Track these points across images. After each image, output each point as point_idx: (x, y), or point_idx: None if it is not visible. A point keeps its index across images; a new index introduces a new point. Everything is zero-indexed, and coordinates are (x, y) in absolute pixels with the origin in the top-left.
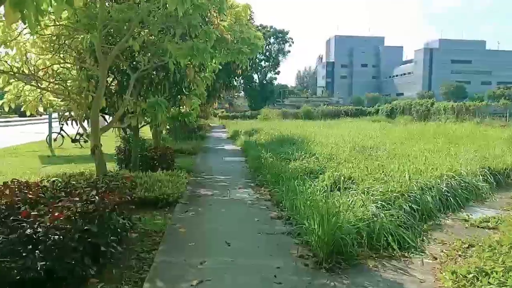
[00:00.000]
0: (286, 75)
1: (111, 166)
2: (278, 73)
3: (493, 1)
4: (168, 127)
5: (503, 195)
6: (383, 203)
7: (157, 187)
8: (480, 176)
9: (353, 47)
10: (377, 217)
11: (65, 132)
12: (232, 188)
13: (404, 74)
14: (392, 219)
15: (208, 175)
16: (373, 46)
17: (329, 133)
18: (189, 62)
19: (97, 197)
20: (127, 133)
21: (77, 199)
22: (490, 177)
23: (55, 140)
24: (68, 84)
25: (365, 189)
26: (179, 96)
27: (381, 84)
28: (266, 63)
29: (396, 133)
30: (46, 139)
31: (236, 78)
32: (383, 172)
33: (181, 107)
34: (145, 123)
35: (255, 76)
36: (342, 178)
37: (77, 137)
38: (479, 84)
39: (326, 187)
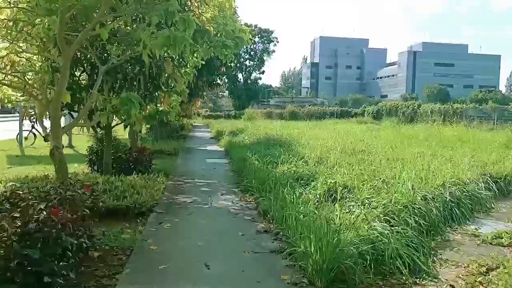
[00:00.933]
0: (271, 75)
1: (83, 169)
2: (263, 72)
3: (475, 5)
4: (147, 126)
5: (508, 204)
6: (387, 217)
7: (129, 194)
8: (482, 184)
9: (337, 49)
10: (383, 236)
11: (37, 131)
12: (214, 195)
13: (388, 76)
14: (399, 237)
15: (189, 179)
16: (357, 48)
17: (316, 135)
18: (166, 55)
19: (44, 212)
20: (98, 132)
21: (18, 215)
22: (492, 185)
23: (26, 138)
24: (29, 77)
25: (365, 200)
26: (156, 93)
27: (365, 86)
28: (251, 62)
29: (386, 135)
30: (17, 137)
31: (220, 76)
32: (380, 179)
33: (159, 105)
34: (119, 122)
35: (240, 76)
36: (338, 186)
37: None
38: (462, 87)
39: (319, 197)
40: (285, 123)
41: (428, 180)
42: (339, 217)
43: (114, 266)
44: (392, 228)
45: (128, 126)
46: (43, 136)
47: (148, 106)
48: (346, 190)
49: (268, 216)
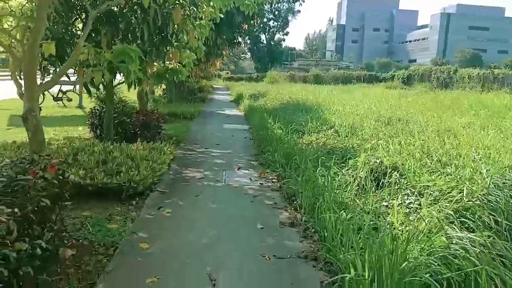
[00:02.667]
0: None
1: (85, 133)
2: (287, 34)
3: None
4: (163, 87)
5: None
6: (462, 218)
7: (126, 168)
8: None
9: (365, 10)
10: (467, 252)
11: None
12: (230, 169)
13: (418, 39)
14: (485, 250)
15: (202, 148)
16: (387, 9)
17: (344, 100)
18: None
19: None
20: (97, 92)
21: None
22: None
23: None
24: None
25: (421, 187)
26: (164, 48)
27: (393, 50)
28: (275, 23)
29: (422, 102)
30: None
31: (241, 34)
32: (434, 157)
33: (168, 62)
34: (122, 81)
35: (263, 37)
36: (385, 167)
37: (60, 95)
38: (496, 52)
39: (360, 180)
40: (309, 86)
41: (496, 159)
42: (396, 217)
43: (87, 274)
44: (474, 236)
45: (134, 86)
46: (52, 96)
47: (154, 63)
48: (395, 172)
49: (295, 201)
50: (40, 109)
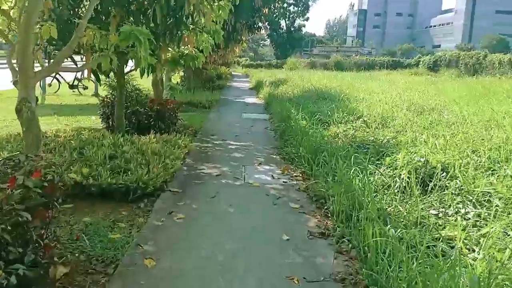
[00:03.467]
0: (315, 24)
1: (97, 124)
2: (307, 19)
3: None
4: (181, 74)
5: None
6: None
7: (135, 164)
8: None
9: None
10: None
11: (61, 77)
12: (250, 164)
13: (443, 24)
14: None
15: (220, 140)
16: None
17: (369, 87)
18: None
19: None
20: (107, 79)
21: None
22: None
23: (49, 85)
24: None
25: (479, 195)
26: (179, 31)
27: (416, 35)
28: (295, 8)
29: (453, 89)
30: (40, 83)
31: (261, 18)
32: (489, 157)
33: (184, 47)
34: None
35: (283, 23)
36: (427, 167)
37: (75, 82)
38: None
39: (402, 181)
40: (331, 73)
41: None
42: (460, 236)
43: None
44: None
45: (147, 74)
46: (68, 83)
47: (169, 48)
48: (443, 173)
49: (325, 205)
50: (37, 99)
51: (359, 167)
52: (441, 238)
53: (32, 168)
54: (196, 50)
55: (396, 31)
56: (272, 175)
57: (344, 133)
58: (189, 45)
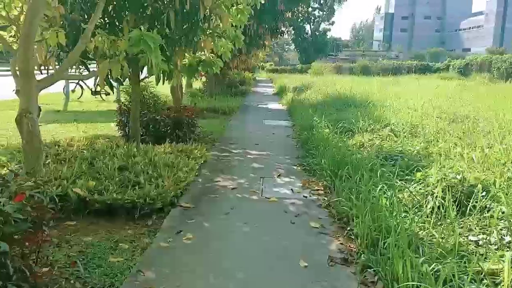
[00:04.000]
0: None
1: (114, 132)
2: (332, 23)
3: None
4: (202, 80)
5: None
6: None
7: (145, 177)
8: None
9: None
10: None
11: (84, 83)
12: (268, 175)
13: (473, 27)
14: None
15: (239, 148)
16: None
17: (397, 93)
18: None
19: None
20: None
21: None
22: None
23: (73, 91)
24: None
25: None
26: (195, 36)
27: (444, 39)
28: (320, 12)
29: (487, 96)
30: (63, 89)
31: (284, 23)
32: None
33: (201, 52)
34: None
35: (307, 27)
36: (464, 184)
37: (98, 89)
38: None
39: (435, 201)
40: (357, 78)
41: None
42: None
43: None
44: None
45: (163, 81)
46: (91, 89)
47: (186, 54)
48: (482, 192)
49: (348, 226)
50: (40, 109)
51: (386, 183)
52: (483, 273)
53: (18, 189)
54: (214, 55)
55: (424, 34)
56: (292, 189)
57: (369, 142)
58: (206, 51)
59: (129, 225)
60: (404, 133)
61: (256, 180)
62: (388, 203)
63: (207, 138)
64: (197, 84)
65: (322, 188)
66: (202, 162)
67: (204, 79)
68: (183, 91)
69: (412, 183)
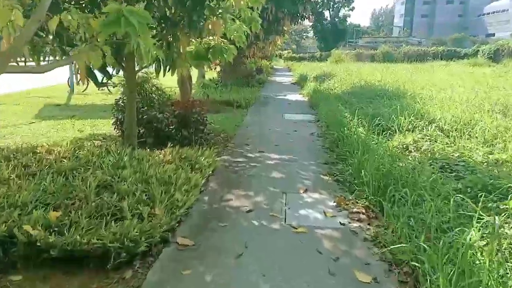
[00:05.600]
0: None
1: (112, 132)
2: (352, 9)
3: None
4: (217, 70)
5: None
6: None
7: (129, 204)
8: None
9: None
10: None
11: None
12: (292, 190)
13: (497, 11)
14: None
15: (255, 152)
16: None
17: (430, 82)
18: None
19: None
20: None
21: None
22: None
23: (78, 83)
24: None
25: None
26: (201, 17)
27: (467, 24)
28: None
29: None
30: (68, 81)
31: (305, 6)
32: None
33: (210, 37)
34: (145, 64)
35: (326, 13)
36: None
37: (104, 80)
38: None
39: None
40: (380, 65)
41: None
42: None
43: None
44: None
45: (164, 72)
46: (95, 82)
47: (189, 39)
48: None
49: (410, 276)
50: None
51: (461, 213)
52: None
53: None
54: (226, 41)
55: (446, 20)
56: (324, 211)
57: (415, 145)
58: (216, 35)
59: (98, 280)
60: (455, 131)
61: (277, 196)
62: (481, 255)
63: (218, 138)
64: (211, 74)
65: (364, 211)
66: (210, 172)
67: (218, 68)
68: (193, 83)
69: (504, 216)
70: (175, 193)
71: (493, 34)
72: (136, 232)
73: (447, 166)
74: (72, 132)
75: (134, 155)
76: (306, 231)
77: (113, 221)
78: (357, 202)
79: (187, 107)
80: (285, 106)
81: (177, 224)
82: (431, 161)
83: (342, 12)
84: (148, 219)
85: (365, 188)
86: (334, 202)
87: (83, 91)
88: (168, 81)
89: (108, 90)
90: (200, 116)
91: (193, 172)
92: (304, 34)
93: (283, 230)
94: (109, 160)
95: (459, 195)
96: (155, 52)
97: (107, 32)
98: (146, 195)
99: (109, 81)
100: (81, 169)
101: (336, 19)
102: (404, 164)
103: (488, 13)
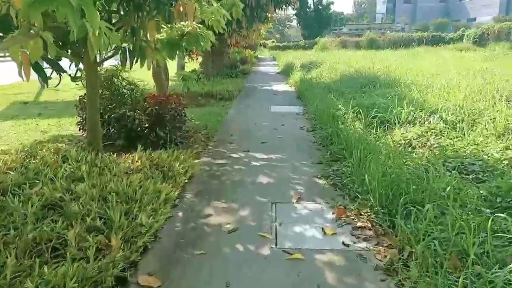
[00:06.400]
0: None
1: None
2: None
3: None
4: (200, 59)
5: None
6: None
7: (76, 233)
8: None
9: None
10: None
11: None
12: (284, 199)
13: None
14: None
15: (240, 151)
16: None
17: (421, 68)
18: None
19: None
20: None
21: None
22: None
23: (50, 78)
24: None
25: None
26: None
27: (449, 9)
28: None
29: None
30: (38, 76)
31: None
32: None
33: (182, 23)
34: (108, 55)
35: (310, 1)
36: None
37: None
38: None
39: None
40: (366, 52)
41: None
42: None
43: None
44: None
45: (131, 63)
46: (70, 75)
47: (163, 25)
48: None
49: None
50: None
51: (496, 228)
52: None
53: None
54: (202, 26)
55: (428, 5)
56: (323, 228)
57: (419, 140)
58: (188, 20)
59: None
60: (461, 123)
61: (265, 209)
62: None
63: (199, 135)
64: (193, 65)
65: (370, 225)
66: (187, 180)
67: (200, 59)
68: (173, 75)
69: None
70: (140, 214)
71: (474, 19)
72: (75, 281)
73: (462, 167)
74: (34, 134)
75: (96, 162)
76: (302, 257)
77: (52, 261)
78: (361, 214)
79: (161, 103)
80: (271, 97)
81: (139, 257)
82: (442, 160)
83: None
84: (95, 261)
85: (369, 197)
86: (333, 213)
87: (56, 86)
88: (145, 75)
89: (83, 84)
90: (178, 112)
91: (165, 183)
92: (288, 23)
93: (275, 256)
94: (65, 170)
95: (484, 205)
96: (109, 39)
97: (35, 12)
98: (101, 218)
99: (83, 76)
100: (26, 184)
101: (320, 7)
102: (413, 166)
103: None
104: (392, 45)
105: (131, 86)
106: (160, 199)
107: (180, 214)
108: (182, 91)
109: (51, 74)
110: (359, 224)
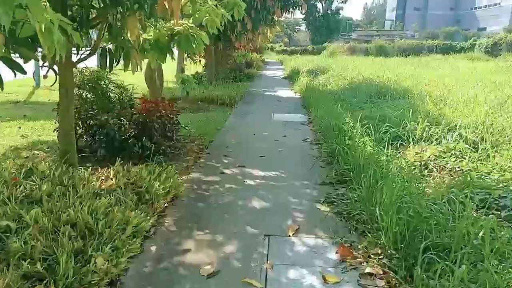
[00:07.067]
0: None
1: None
2: (345, 1)
3: None
4: (202, 61)
5: None
6: None
7: (7, 284)
8: None
9: None
10: None
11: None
12: (278, 231)
13: (489, 5)
14: None
15: (234, 166)
16: None
17: (434, 78)
18: None
19: None
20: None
21: None
22: None
23: (45, 77)
24: None
25: None
26: None
27: (459, 17)
28: None
29: None
30: (33, 75)
31: None
32: None
33: (172, 21)
34: (82, 57)
35: (319, 6)
36: None
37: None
38: None
39: None
40: (375, 59)
41: None
42: None
43: None
44: None
45: (110, 65)
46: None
47: (148, 24)
48: None
49: None
50: None
51: None
52: None
53: None
54: (194, 26)
55: (439, 13)
56: (323, 275)
57: (436, 162)
58: (174, 18)
59: None
60: (484, 142)
61: (256, 243)
62: None
63: (192, 145)
64: (197, 67)
65: (381, 272)
66: (167, 204)
67: (203, 61)
68: (170, 78)
69: None
70: (96, 255)
71: (485, 28)
72: None
73: (490, 199)
74: (13, 139)
75: (63, 179)
76: None
77: None
78: (370, 257)
79: (149, 110)
80: (275, 104)
81: None
82: (466, 191)
83: (335, 4)
84: None
85: (380, 235)
86: (336, 252)
87: (51, 86)
88: (137, 78)
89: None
90: (168, 119)
91: (138, 209)
92: (297, 27)
93: None
94: (24, 189)
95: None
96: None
97: None
98: (45, 260)
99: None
100: None
101: (329, 12)
102: (433, 196)
103: (480, 7)
104: (401, 53)
105: (120, 90)
106: (126, 232)
107: (153, 249)
108: (182, 95)
109: (47, 72)
110: (368, 270)
